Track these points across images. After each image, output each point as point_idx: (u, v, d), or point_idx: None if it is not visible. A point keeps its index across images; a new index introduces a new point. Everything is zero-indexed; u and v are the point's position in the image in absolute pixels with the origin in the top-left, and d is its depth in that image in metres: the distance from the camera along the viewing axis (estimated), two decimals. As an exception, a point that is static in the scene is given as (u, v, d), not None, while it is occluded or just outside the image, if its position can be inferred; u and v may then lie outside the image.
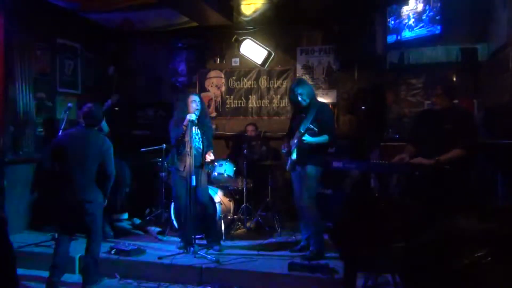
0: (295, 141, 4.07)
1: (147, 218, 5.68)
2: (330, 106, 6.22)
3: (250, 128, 6.18)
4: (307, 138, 4.01)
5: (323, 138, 4.08)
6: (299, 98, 4.15)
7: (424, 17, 4.87)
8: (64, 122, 4.71)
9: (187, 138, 4.26)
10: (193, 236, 4.33)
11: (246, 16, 6.29)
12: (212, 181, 5.26)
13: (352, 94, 6.25)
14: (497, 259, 1.78)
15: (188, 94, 4.65)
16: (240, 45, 6.48)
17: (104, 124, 4.79)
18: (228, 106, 6.83)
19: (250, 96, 6.74)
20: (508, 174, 3.34)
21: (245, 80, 6.75)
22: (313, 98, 4.23)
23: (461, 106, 3.91)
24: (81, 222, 3.72)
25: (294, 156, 4.10)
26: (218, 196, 5.06)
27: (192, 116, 4.26)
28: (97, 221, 3.77)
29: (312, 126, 4.07)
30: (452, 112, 3.50)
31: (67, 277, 3.96)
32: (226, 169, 5.27)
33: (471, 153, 3.40)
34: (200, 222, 4.48)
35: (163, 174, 5.47)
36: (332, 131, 4.18)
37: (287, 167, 4.33)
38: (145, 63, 6.99)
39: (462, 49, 4.82)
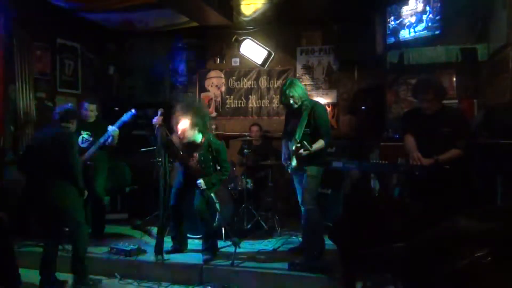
0: (293, 148, 3.87)
1: (147, 218, 5.68)
2: (330, 106, 6.26)
3: (254, 128, 6.12)
4: (303, 152, 3.77)
5: (320, 145, 3.89)
6: (291, 101, 3.99)
7: (424, 17, 4.87)
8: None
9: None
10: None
11: (246, 16, 6.29)
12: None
13: (352, 94, 6.26)
14: (497, 259, 1.78)
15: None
16: (240, 45, 6.48)
17: None
18: (228, 106, 6.84)
19: (250, 96, 6.74)
20: (508, 174, 3.33)
21: (245, 80, 6.75)
22: (305, 100, 4.02)
23: (451, 107, 3.89)
24: None
25: (294, 163, 4.00)
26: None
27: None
28: None
29: (306, 130, 3.91)
30: (445, 115, 3.49)
31: (67, 278, 3.97)
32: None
33: (470, 152, 3.40)
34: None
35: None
36: (327, 132, 4.00)
37: (288, 168, 4.16)
38: (145, 63, 6.99)
39: (462, 49, 4.82)
